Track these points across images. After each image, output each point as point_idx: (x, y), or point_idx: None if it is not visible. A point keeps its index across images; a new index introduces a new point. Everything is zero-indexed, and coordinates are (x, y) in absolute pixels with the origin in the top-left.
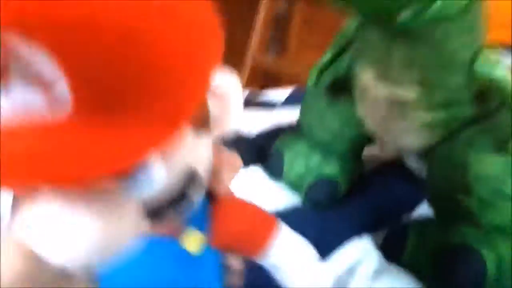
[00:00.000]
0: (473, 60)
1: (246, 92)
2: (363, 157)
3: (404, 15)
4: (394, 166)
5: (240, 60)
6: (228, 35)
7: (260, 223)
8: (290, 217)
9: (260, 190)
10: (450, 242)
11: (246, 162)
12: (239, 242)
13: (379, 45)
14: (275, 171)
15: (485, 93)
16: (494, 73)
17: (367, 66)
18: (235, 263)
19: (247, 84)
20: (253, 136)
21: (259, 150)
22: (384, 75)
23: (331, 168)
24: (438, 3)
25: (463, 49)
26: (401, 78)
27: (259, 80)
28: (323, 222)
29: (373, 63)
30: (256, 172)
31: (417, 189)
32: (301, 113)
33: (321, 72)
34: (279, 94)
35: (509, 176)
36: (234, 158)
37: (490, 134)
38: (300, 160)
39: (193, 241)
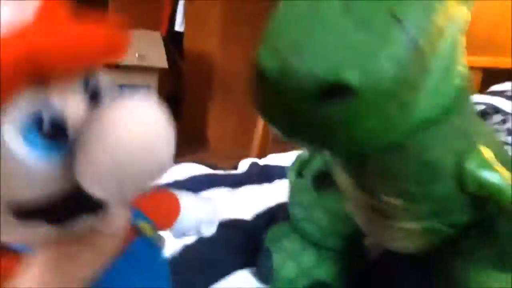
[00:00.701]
0: (460, 165)
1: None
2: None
3: None
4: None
5: None
6: None
7: (164, 207)
8: None
9: None
10: None
11: (233, 266)
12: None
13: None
14: (264, 275)
15: (481, 198)
16: (487, 177)
17: (342, 172)
18: None
19: None
20: (246, 223)
21: (250, 248)
22: (359, 185)
23: (325, 270)
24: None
25: (448, 155)
26: (378, 190)
27: None
28: None
29: (347, 171)
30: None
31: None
32: (289, 205)
33: (302, 167)
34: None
35: None
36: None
37: (491, 247)
38: (290, 261)
39: (149, 231)
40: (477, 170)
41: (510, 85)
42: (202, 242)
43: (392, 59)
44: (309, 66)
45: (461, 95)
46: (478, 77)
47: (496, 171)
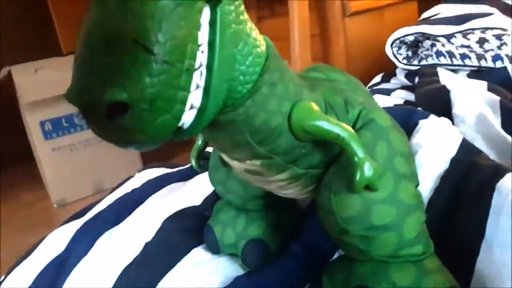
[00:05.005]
0: (288, 121)
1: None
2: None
3: (186, 124)
4: None
5: None
6: None
7: None
8: None
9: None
10: (351, 286)
11: (190, 246)
12: None
13: (205, 133)
14: (212, 248)
15: (321, 141)
16: (308, 125)
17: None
18: None
19: None
20: (197, 208)
21: (202, 228)
22: (228, 155)
23: (255, 229)
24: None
25: (275, 117)
26: (238, 156)
27: None
28: None
29: (214, 145)
30: (199, 253)
31: None
32: (212, 184)
33: (199, 155)
34: None
35: (369, 211)
36: None
37: (340, 175)
38: (228, 229)
39: None
40: (301, 122)
41: (439, 8)
42: (160, 235)
43: (144, 75)
44: (92, 96)
45: (268, 69)
46: (413, 8)
47: (318, 118)
